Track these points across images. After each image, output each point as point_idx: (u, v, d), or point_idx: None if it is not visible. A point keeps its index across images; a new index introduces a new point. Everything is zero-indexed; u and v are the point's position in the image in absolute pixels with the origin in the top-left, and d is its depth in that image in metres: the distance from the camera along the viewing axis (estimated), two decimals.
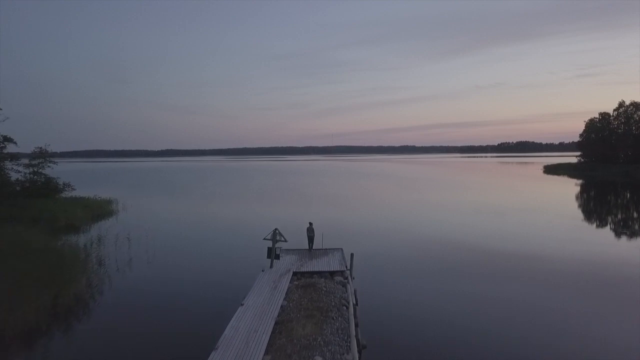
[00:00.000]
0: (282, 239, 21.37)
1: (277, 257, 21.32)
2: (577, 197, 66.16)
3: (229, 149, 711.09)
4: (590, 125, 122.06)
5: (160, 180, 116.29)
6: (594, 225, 41.96)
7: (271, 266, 21.12)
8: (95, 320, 17.90)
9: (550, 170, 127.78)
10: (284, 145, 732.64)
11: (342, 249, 24.53)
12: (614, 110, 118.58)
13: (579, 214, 47.61)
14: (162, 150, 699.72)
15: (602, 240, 33.33)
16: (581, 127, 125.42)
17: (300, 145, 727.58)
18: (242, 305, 16.15)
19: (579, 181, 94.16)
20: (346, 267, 21.20)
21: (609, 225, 42.01)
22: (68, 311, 18.49)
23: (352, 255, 21.20)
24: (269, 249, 21.25)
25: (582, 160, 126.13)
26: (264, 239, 21.61)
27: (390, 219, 43.42)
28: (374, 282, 21.98)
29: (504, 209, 49.37)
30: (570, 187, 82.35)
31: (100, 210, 49.52)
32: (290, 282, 19.32)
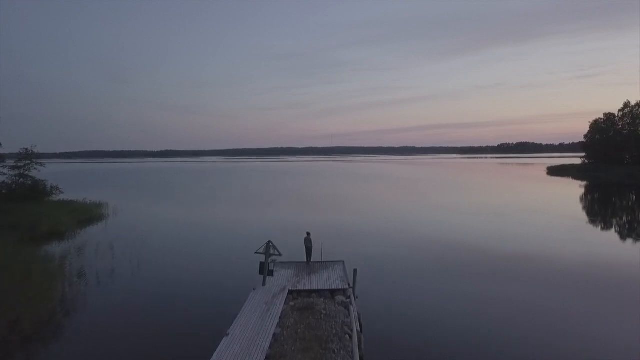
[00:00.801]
0: (276, 252, 19.00)
1: (271, 273, 18.95)
2: (581, 199, 64.77)
3: (228, 149, 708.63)
4: (595, 126, 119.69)
5: (156, 182, 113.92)
6: (598, 226, 41.50)
7: (264, 284, 18.75)
8: (60, 347, 15.53)
9: (554, 171, 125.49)
10: (284, 145, 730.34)
11: (343, 261, 22.18)
12: (619, 110, 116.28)
13: (583, 216, 47.11)
14: (161, 151, 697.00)
15: (603, 242, 33.26)
16: (581, 128, 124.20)
17: (300, 146, 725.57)
18: (226, 335, 13.78)
19: (584, 183, 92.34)
20: (348, 284, 18.86)
21: (612, 227, 41.69)
22: (25, 340, 15.97)
23: (355, 271, 18.81)
24: (261, 264, 18.88)
25: (587, 161, 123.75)
26: (256, 252, 19.23)
27: (396, 225, 40.75)
28: (381, 302, 19.53)
29: (513, 211, 47.15)
30: (574, 188, 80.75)
31: (89, 214, 47.14)
32: (285, 303, 16.97)
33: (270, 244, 18.90)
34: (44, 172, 52.48)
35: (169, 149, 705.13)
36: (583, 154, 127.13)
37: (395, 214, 47.73)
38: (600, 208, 55.66)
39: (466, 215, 45.47)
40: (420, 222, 42.12)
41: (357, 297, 18.39)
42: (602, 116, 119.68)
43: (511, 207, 51.63)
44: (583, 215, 47.29)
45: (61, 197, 52.86)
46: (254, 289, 18.27)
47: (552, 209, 50.06)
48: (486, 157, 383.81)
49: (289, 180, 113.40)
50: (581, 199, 64.40)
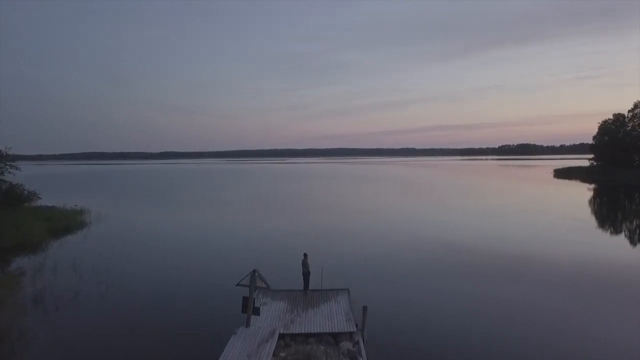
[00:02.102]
0: (264, 284, 14.99)
1: (257, 311, 14.94)
2: (591, 202, 62.05)
3: (228, 151, 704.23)
4: (604, 127, 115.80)
5: (150, 185, 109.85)
6: (607, 229, 41.23)
7: (247, 324, 14.74)
8: None
9: (561, 174, 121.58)
10: (284, 147, 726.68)
11: (348, 290, 18.21)
12: (629, 111, 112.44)
13: (593, 218, 46.64)
14: (161, 153, 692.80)
15: (605, 243, 33.46)
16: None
17: (300, 148, 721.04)
18: None
19: (593, 185, 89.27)
20: (356, 325, 14.89)
21: (622, 231, 41.15)
22: None
23: (364, 308, 14.79)
24: (245, 300, 14.86)
25: (595, 163, 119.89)
26: (238, 284, 15.18)
27: (410, 239, 34.85)
28: (398, 349, 15.12)
29: (531, 215, 43.14)
30: (583, 191, 77.94)
31: (67, 222, 43.07)
32: (273, 354, 12.99)
33: (256, 273, 14.88)
34: (33, 175, 48.53)
35: (168, 150, 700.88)
36: (590, 156, 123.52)
37: (407, 225, 42.38)
38: (610, 211, 53.87)
39: (491, 223, 42.16)
40: (440, 236, 35.44)
41: (366, 342, 14.41)
42: (611, 117, 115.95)
43: (529, 212, 48.55)
44: (593, 218, 46.89)
45: (41, 202, 48.89)
46: (234, 333, 14.25)
47: (563, 212, 48.45)
48: (487, 159, 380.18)
49: (287, 184, 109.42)
50: (591, 202, 62.17)
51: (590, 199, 66.53)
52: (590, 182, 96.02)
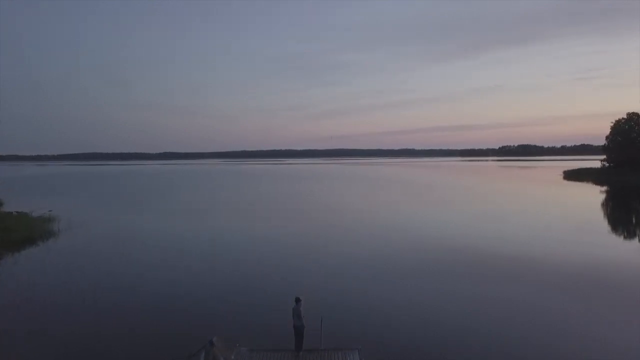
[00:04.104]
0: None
1: None
2: (612, 205, 56.36)
3: (228, 152, 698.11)
4: (617, 126, 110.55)
5: (139, 187, 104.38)
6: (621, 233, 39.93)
7: None
8: None
9: (571, 175, 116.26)
10: (284, 147, 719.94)
11: (359, 350, 12.74)
12: None
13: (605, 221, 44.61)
14: (160, 153, 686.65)
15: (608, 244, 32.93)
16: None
17: (299, 148, 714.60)
18: None
19: (608, 188, 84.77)
20: None
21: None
22: None
23: None
24: None
25: (607, 164, 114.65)
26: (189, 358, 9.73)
27: (432, 264, 26.78)
28: None
29: (566, 226, 37.94)
30: (596, 193, 73.90)
31: (29, 232, 37.41)
32: None
33: (213, 345, 9.37)
34: (20, 176, 43.58)
35: (168, 150, 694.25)
36: (598, 157, 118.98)
37: (430, 241, 34.44)
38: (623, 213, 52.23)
39: (528, 232, 36.65)
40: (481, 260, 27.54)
41: None
42: (618, 117, 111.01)
43: (556, 217, 43.71)
44: (605, 221, 45.82)
45: (5, 208, 43.53)
46: None
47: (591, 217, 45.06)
48: (487, 160, 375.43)
49: (286, 187, 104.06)
50: (610, 205, 59.08)
51: (607, 202, 61.69)
52: (604, 184, 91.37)
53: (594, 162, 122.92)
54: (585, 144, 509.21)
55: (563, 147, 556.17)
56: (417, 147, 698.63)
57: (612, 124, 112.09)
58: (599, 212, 52.68)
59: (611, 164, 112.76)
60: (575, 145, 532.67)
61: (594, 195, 74.19)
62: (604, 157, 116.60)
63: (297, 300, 12.81)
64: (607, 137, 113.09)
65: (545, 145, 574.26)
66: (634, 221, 48.87)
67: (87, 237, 37.63)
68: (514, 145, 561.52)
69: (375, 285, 22.14)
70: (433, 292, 20.93)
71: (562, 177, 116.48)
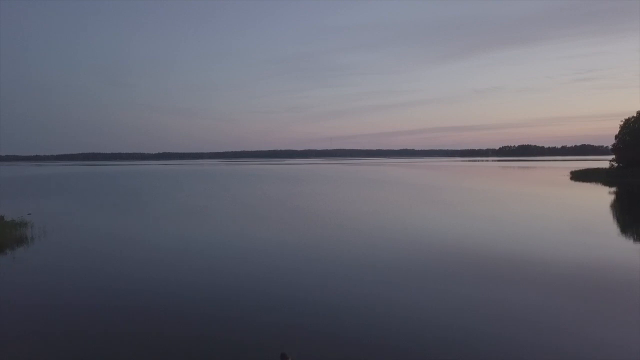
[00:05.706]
0: None
1: None
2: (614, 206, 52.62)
3: (227, 152, 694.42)
4: (627, 126, 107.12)
5: (131, 188, 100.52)
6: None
7: None
8: None
9: (579, 176, 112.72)
10: (283, 148, 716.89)
11: None
12: None
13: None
14: (158, 153, 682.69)
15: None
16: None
17: (299, 149, 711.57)
18: None
19: (618, 189, 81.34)
20: None
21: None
22: None
23: None
24: None
25: (616, 164, 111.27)
26: None
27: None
28: None
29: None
30: (606, 195, 69.07)
31: None
32: None
33: None
34: (8, 177, 39.32)
35: (167, 151, 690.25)
36: (604, 157, 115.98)
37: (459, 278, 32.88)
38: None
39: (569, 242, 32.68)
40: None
41: None
42: (624, 117, 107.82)
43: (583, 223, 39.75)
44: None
45: None
46: None
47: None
48: (488, 160, 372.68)
49: (284, 189, 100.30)
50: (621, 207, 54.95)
51: (624, 204, 58.22)
52: (614, 186, 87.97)
53: (598, 163, 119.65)
54: (586, 144, 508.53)
55: (563, 148, 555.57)
56: (417, 147, 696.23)
57: (621, 123, 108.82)
58: (620, 214, 49.30)
59: (620, 164, 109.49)
60: (575, 146, 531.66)
61: (608, 197, 70.64)
62: (609, 157, 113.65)
63: (283, 357, 9.03)
64: (616, 137, 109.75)
65: (546, 146, 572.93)
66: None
67: (61, 246, 33.82)
68: (514, 146, 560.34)
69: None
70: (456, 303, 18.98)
71: (569, 177, 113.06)
